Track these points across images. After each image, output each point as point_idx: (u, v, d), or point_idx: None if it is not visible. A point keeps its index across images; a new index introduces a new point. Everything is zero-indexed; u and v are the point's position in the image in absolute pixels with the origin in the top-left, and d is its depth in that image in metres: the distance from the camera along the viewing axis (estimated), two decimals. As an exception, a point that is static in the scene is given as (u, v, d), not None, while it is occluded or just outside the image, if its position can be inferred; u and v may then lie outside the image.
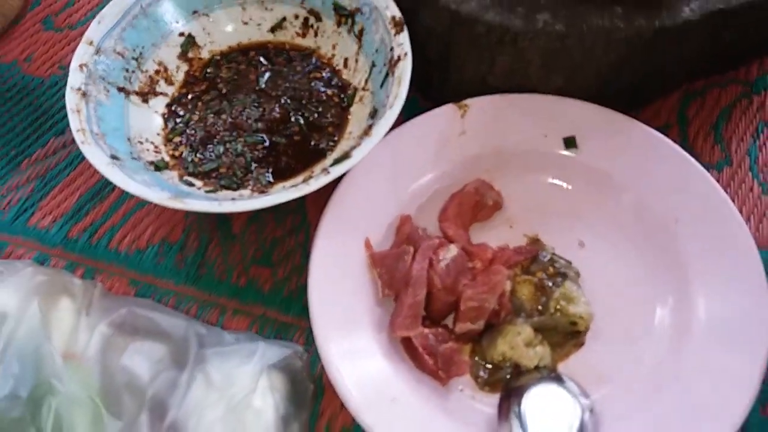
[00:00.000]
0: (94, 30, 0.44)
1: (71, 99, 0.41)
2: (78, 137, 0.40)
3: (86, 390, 0.33)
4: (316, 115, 0.46)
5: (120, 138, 0.42)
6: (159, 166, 0.43)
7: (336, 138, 0.45)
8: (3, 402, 0.30)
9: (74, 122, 0.40)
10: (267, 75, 0.48)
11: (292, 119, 0.46)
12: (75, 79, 0.42)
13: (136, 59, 0.46)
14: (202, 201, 0.38)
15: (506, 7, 0.42)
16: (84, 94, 0.42)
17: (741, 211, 0.43)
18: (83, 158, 0.48)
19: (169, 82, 0.48)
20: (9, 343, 0.32)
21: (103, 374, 0.34)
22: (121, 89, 0.45)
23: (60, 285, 0.37)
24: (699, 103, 0.48)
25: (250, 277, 0.43)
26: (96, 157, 0.39)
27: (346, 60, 0.48)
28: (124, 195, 0.47)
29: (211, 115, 0.46)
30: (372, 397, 0.35)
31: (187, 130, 0.45)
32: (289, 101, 0.47)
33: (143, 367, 0.35)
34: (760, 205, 0.44)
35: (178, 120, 0.46)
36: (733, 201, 0.43)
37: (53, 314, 0.35)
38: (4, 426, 0.30)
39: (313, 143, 0.45)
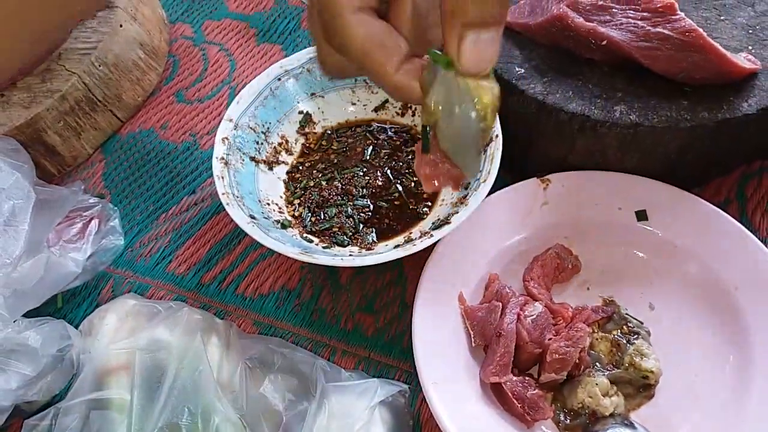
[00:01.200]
0: (233, 109, 0.53)
1: (217, 167, 0.50)
2: (223, 199, 0.48)
3: (237, 412, 0.39)
4: (413, 183, 0.54)
5: (254, 200, 0.50)
6: (284, 225, 0.50)
7: (431, 204, 0.52)
8: (183, 414, 0.37)
9: (220, 187, 0.48)
10: (371, 148, 0.56)
11: (393, 186, 0.54)
12: (219, 150, 0.51)
13: (264, 133, 0.55)
14: (327, 256, 0.45)
15: (587, 99, 0.49)
16: (226, 163, 0.50)
17: (797, 282, 0.48)
18: (212, 215, 0.57)
19: (289, 152, 0.56)
20: (179, 368, 0.40)
21: (247, 401, 0.41)
22: (252, 158, 0.53)
23: (209, 323, 0.45)
24: (756, 181, 0.54)
25: (356, 323, 0.50)
26: (239, 217, 0.47)
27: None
28: (249, 247, 0.54)
29: (325, 182, 0.54)
30: (466, 430, 0.41)
31: (305, 194, 0.53)
32: (390, 171, 0.54)
33: (278, 396, 0.42)
34: (815, 277, 0.48)
35: (296, 185, 0.54)
36: (791, 272, 0.48)
37: (208, 348, 0.42)
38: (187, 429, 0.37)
39: (411, 208, 0.52)
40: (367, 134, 0.57)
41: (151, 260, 0.55)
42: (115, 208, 0.55)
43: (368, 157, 0.55)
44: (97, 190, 0.60)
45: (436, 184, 0.35)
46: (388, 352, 0.48)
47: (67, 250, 0.49)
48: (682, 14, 0.48)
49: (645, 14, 0.48)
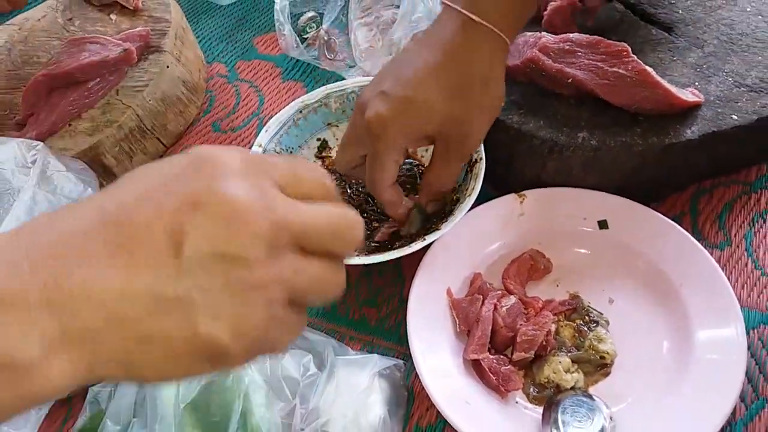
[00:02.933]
0: (262, 136, 0.64)
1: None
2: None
3: (262, 378, 0.49)
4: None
5: (278, 211, 0.60)
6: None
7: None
8: (218, 377, 0.47)
9: (251, 200, 0.59)
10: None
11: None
12: (250, 170, 0.61)
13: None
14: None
15: (555, 127, 0.58)
16: (256, 181, 0.61)
17: (737, 281, 0.57)
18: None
19: (307, 172, 0.66)
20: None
21: (270, 370, 0.50)
22: (277, 177, 0.63)
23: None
24: (708, 197, 0.62)
25: (362, 314, 0.59)
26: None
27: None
28: (273, 252, 0.64)
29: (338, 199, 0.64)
30: (451, 399, 0.50)
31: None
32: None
33: (296, 367, 0.51)
34: (752, 277, 0.57)
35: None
36: (731, 273, 0.57)
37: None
38: (223, 390, 0.47)
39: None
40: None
41: (191, 263, 0.65)
42: (162, 219, 0.66)
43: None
44: (145, 204, 0.71)
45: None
46: (389, 338, 0.57)
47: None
48: (634, 57, 0.57)
49: (603, 57, 0.58)
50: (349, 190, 0.64)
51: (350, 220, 0.29)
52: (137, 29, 0.73)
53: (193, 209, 0.24)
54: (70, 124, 0.69)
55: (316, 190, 0.29)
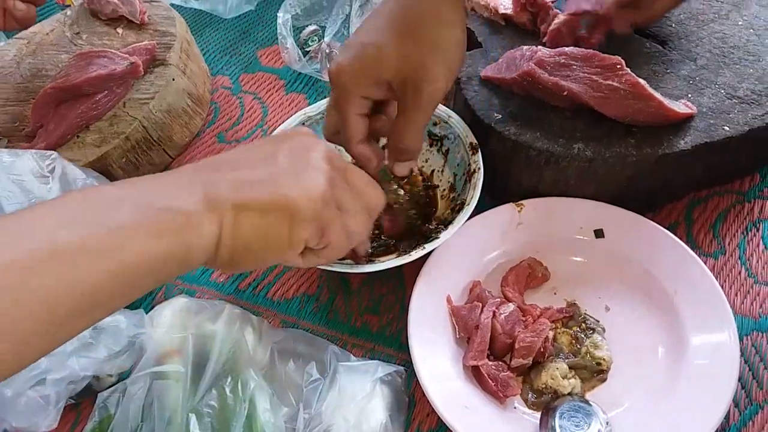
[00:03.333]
0: (266, 148, 0.65)
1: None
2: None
3: (267, 383, 0.50)
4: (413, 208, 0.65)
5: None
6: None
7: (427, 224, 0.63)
8: (227, 380, 0.48)
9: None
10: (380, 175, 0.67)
11: (399, 205, 0.65)
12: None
13: (291, 167, 0.67)
14: (340, 265, 0.57)
15: (552, 138, 0.60)
16: (260, 191, 0.62)
17: (730, 289, 0.58)
18: (247, 234, 0.68)
19: (310, 182, 0.68)
20: (222, 349, 0.51)
21: (275, 376, 0.52)
22: (280, 187, 0.65)
23: (245, 317, 0.56)
24: (702, 207, 0.64)
25: (364, 321, 0.61)
26: (270, 233, 0.58)
27: (433, 170, 0.67)
28: (276, 261, 0.66)
29: None
30: (451, 404, 0.51)
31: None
32: (397, 196, 0.65)
33: (299, 373, 0.52)
34: (745, 285, 0.58)
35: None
36: (725, 281, 0.58)
37: (244, 335, 0.53)
38: (228, 394, 0.48)
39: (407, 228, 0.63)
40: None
41: (197, 271, 0.66)
42: (167, 228, 0.67)
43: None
44: (151, 214, 0.72)
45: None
46: (390, 345, 0.59)
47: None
48: (628, 70, 0.59)
49: (598, 70, 0.60)
50: None
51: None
52: (143, 43, 0.75)
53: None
54: (78, 136, 0.71)
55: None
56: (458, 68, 0.52)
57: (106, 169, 0.70)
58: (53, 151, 0.62)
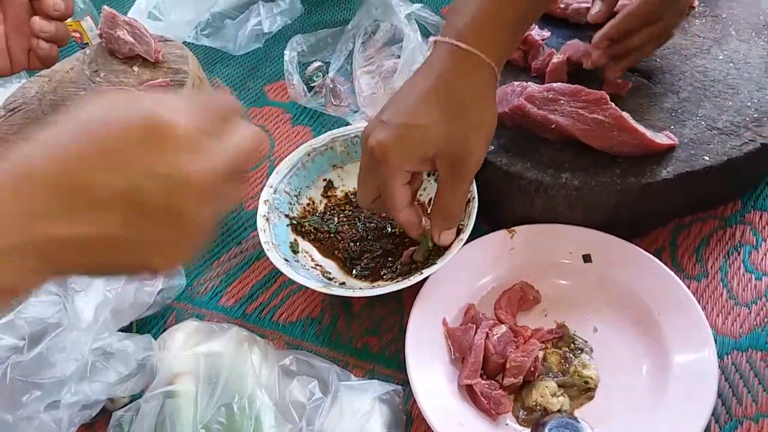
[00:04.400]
0: (273, 178, 0.69)
1: (261, 223, 0.65)
2: (265, 247, 0.63)
3: (272, 401, 0.53)
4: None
5: (287, 247, 0.66)
6: (314, 267, 0.65)
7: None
8: (234, 398, 0.51)
9: (262, 237, 0.64)
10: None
11: (393, 232, 0.68)
12: (262, 209, 0.67)
13: (296, 196, 0.71)
14: (342, 289, 0.60)
15: (541, 169, 0.63)
16: (267, 220, 0.66)
17: (713, 310, 0.61)
18: (254, 260, 0.72)
19: (314, 212, 0.71)
20: (230, 370, 0.54)
21: (279, 395, 0.55)
22: (286, 215, 0.69)
23: (252, 339, 0.59)
24: (686, 232, 0.67)
25: (365, 343, 0.64)
26: (276, 259, 0.62)
27: (430, 198, 0.70)
28: (282, 285, 0.69)
29: (340, 242, 0.69)
30: (446, 421, 0.54)
31: (330, 239, 0.69)
32: (397, 224, 0.69)
33: (302, 392, 0.55)
34: (726, 306, 0.61)
35: (320, 236, 0.69)
36: (707, 303, 0.61)
37: (251, 356, 0.57)
38: (236, 412, 0.51)
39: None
40: (376, 196, 0.72)
41: (206, 296, 0.70)
42: (179, 255, 0.71)
43: (378, 213, 0.70)
44: (164, 242, 0.76)
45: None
46: (389, 365, 0.62)
47: (144, 285, 0.65)
48: (612, 104, 0.62)
49: (584, 104, 0.63)
50: (366, 225, 0.69)
51: (249, 147, 0.38)
52: (158, 80, 0.79)
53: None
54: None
55: (227, 114, 0.38)
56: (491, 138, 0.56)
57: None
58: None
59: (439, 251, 0.62)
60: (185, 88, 0.80)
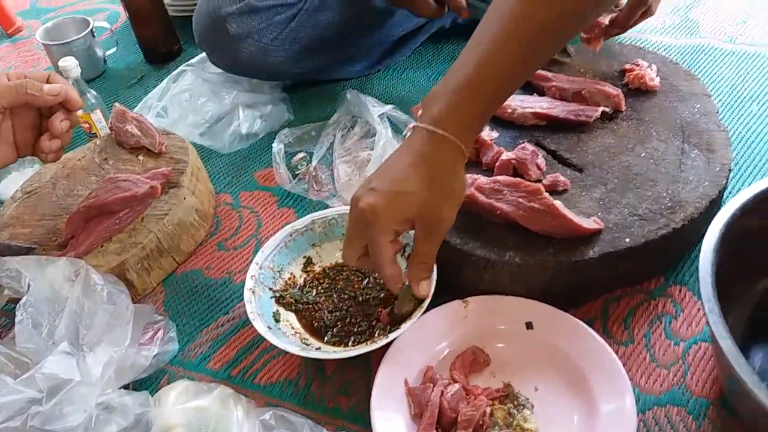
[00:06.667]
0: (259, 256, 0.79)
1: (247, 295, 0.75)
2: (250, 316, 0.72)
3: (252, 450, 0.61)
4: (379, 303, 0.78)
5: (270, 317, 0.75)
6: (293, 334, 0.75)
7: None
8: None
9: (248, 308, 0.73)
10: (353, 277, 0.81)
11: (364, 300, 0.78)
12: (248, 284, 0.76)
13: (279, 272, 0.81)
14: (315, 353, 0.69)
15: (489, 248, 0.74)
16: (253, 292, 0.76)
17: (637, 371, 0.70)
18: (240, 328, 0.81)
19: (294, 285, 0.81)
20: (217, 423, 0.62)
21: (259, 444, 0.63)
22: (270, 288, 0.79)
23: (235, 397, 0.68)
24: (616, 304, 0.77)
25: (336, 402, 0.72)
26: (260, 327, 0.71)
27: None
28: (264, 350, 0.78)
29: (317, 312, 0.78)
30: (404, 468, 0.62)
31: (308, 309, 0.78)
32: (366, 293, 0.79)
33: (280, 443, 0.63)
34: (649, 368, 0.70)
35: (300, 307, 0.79)
36: (633, 365, 0.71)
37: (235, 411, 0.65)
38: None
39: (374, 320, 0.76)
40: (351, 271, 0.82)
41: (196, 360, 0.79)
42: (173, 324, 0.80)
43: (354, 286, 0.80)
44: (159, 311, 0.85)
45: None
46: (357, 422, 0.70)
47: (141, 349, 0.73)
48: (546, 195, 0.74)
49: (523, 194, 0.75)
50: (341, 296, 0.79)
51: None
52: (161, 169, 0.91)
53: None
54: (102, 246, 0.85)
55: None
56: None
57: (123, 273, 0.84)
58: (82, 260, 0.76)
59: (417, 303, 0.71)
60: (184, 176, 0.91)
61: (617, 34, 0.98)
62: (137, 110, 1.15)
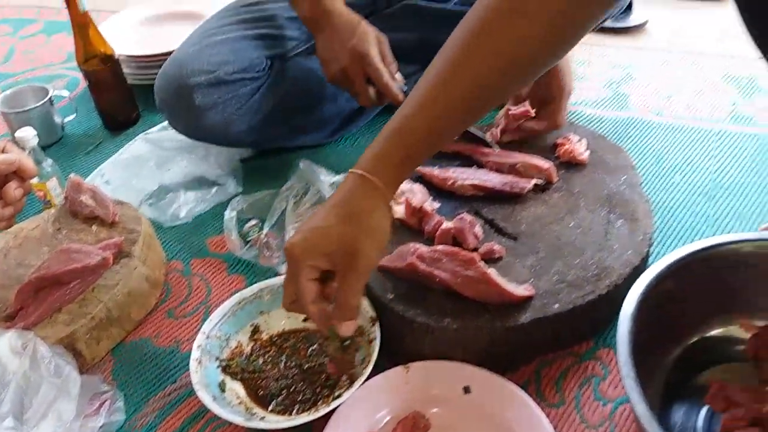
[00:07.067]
0: (207, 325, 0.82)
1: (193, 365, 0.77)
2: (196, 387, 0.74)
3: None
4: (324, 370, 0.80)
5: (216, 386, 0.77)
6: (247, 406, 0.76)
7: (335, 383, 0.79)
8: None
9: (194, 378, 0.75)
10: (299, 345, 0.84)
11: (309, 368, 0.80)
12: (195, 353, 0.78)
13: (226, 340, 0.83)
14: (260, 423, 0.71)
15: (427, 314, 0.78)
16: (199, 362, 0.77)
17: (563, 430, 0.74)
18: (186, 397, 0.82)
19: (241, 354, 0.83)
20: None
21: None
22: (217, 358, 0.80)
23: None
24: (549, 367, 0.81)
25: (281, 470, 0.73)
26: (205, 398, 0.73)
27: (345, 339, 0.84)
28: (210, 420, 0.79)
29: (263, 380, 0.80)
30: None
31: (255, 377, 0.80)
32: (311, 360, 0.81)
33: None
34: (579, 429, 0.74)
35: (246, 375, 0.81)
36: (563, 426, 0.75)
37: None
38: None
39: (318, 387, 0.78)
40: (297, 339, 0.85)
41: (142, 430, 0.79)
42: (120, 393, 0.81)
43: (299, 355, 0.83)
44: (107, 380, 0.86)
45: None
46: (301, 489, 0.72)
47: (87, 421, 0.74)
48: (480, 264, 0.79)
49: (460, 263, 0.80)
50: (287, 365, 0.82)
51: None
52: (114, 239, 0.93)
53: None
54: (51, 316, 0.86)
55: None
56: (384, 248, 0.71)
57: (72, 344, 0.84)
58: (30, 332, 0.77)
59: (346, 350, 0.75)
60: (136, 245, 0.93)
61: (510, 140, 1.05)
62: (91, 177, 1.17)
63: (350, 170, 0.71)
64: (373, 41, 1.05)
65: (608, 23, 1.51)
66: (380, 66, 1.04)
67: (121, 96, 1.37)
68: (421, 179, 0.99)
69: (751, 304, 0.77)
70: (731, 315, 0.77)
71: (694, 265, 0.75)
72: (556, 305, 0.78)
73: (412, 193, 0.94)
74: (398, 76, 1.07)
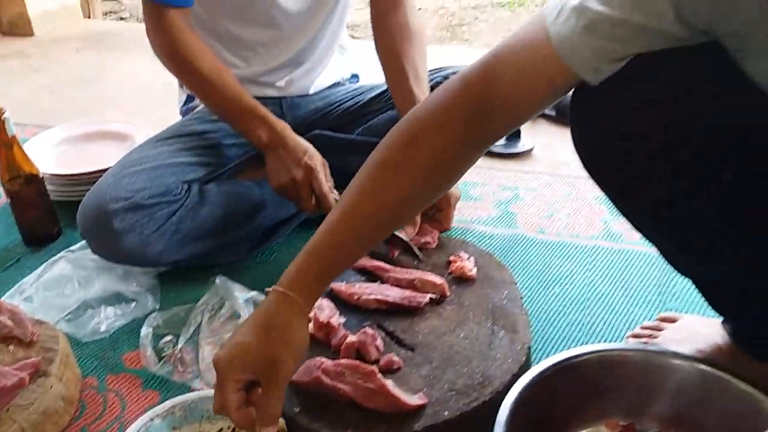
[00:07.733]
0: (121, 442, 0.85)
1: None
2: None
3: None
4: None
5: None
6: None
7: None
8: None
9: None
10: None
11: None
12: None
13: (139, 456, 0.86)
14: None
15: (333, 425, 0.86)
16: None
17: None
18: None
19: (154, 468, 0.87)
20: None
21: None
22: (129, 474, 0.84)
23: None
24: (443, 469, 0.90)
25: None
26: None
27: None
28: None
29: None
30: None
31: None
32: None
33: None
34: None
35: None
36: None
37: None
38: None
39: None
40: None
41: None
42: None
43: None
44: (15, 504, 0.87)
45: None
46: None
47: None
48: (379, 377, 0.88)
49: (360, 376, 0.89)
50: None
51: None
52: (31, 359, 0.96)
53: None
54: (-40, 439, 0.87)
55: None
56: (303, 357, 0.80)
57: (-19, 466, 0.86)
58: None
59: None
60: (53, 364, 0.97)
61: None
62: (11, 293, 1.20)
63: (273, 287, 0.81)
64: (320, 160, 1.23)
65: (500, 149, 1.72)
66: (323, 179, 1.22)
67: (43, 213, 1.41)
68: (330, 293, 1.09)
69: (615, 406, 0.89)
70: (600, 415, 0.89)
71: (562, 372, 0.87)
72: (446, 412, 0.88)
73: (320, 309, 1.03)
74: (335, 191, 1.24)
